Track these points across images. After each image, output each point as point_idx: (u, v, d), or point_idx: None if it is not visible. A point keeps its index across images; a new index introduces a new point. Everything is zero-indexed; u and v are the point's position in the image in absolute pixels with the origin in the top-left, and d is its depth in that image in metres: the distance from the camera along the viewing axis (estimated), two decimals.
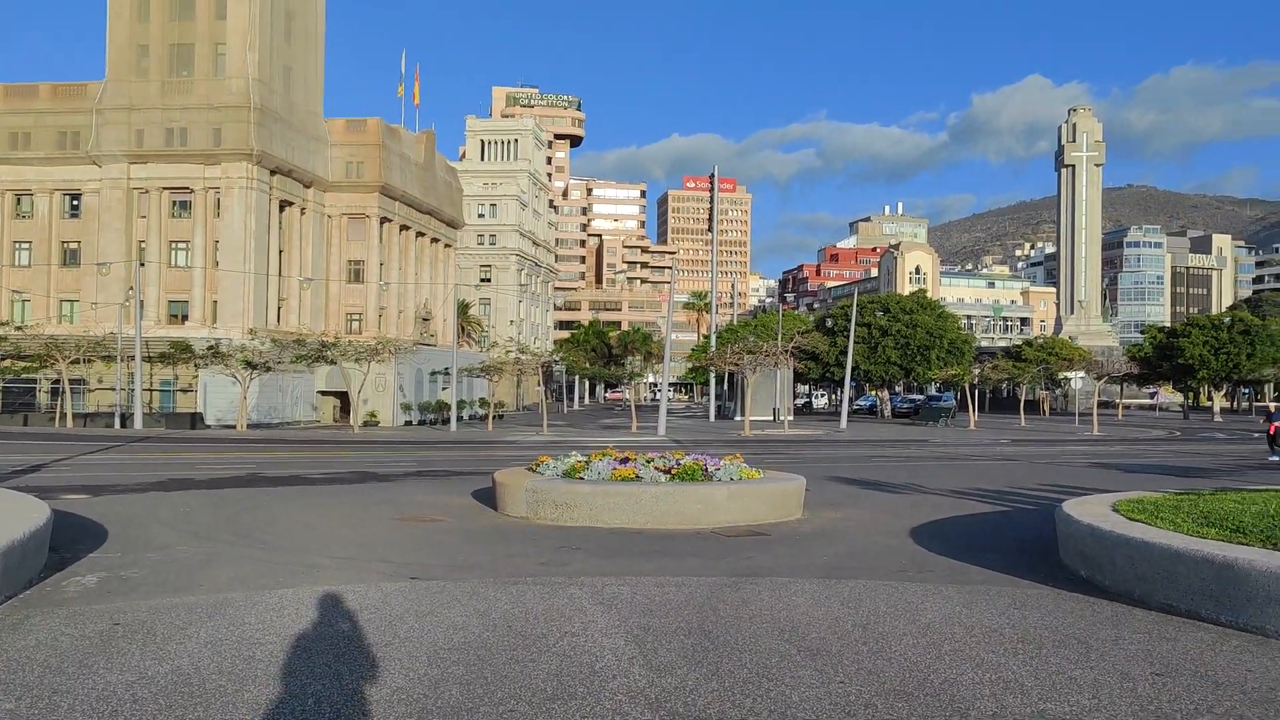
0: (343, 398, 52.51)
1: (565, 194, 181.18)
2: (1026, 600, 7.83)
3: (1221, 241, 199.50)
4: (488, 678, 5.56)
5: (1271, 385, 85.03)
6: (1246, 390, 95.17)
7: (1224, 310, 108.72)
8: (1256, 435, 33.72)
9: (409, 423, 52.58)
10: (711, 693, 5.31)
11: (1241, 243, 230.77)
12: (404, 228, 67.33)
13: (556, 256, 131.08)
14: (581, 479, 13.40)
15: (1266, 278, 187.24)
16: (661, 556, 10.08)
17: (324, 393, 54.43)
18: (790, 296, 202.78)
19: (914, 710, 5.05)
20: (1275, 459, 27.00)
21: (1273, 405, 30.31)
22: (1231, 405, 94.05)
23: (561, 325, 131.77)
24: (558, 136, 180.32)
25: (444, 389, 54.10)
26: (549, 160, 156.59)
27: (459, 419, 49.54)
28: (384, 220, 64.09)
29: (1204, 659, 6.05)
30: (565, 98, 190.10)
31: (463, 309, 76.85)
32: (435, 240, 73.29)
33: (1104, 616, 7.25)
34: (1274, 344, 72.93)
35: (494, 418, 52.26)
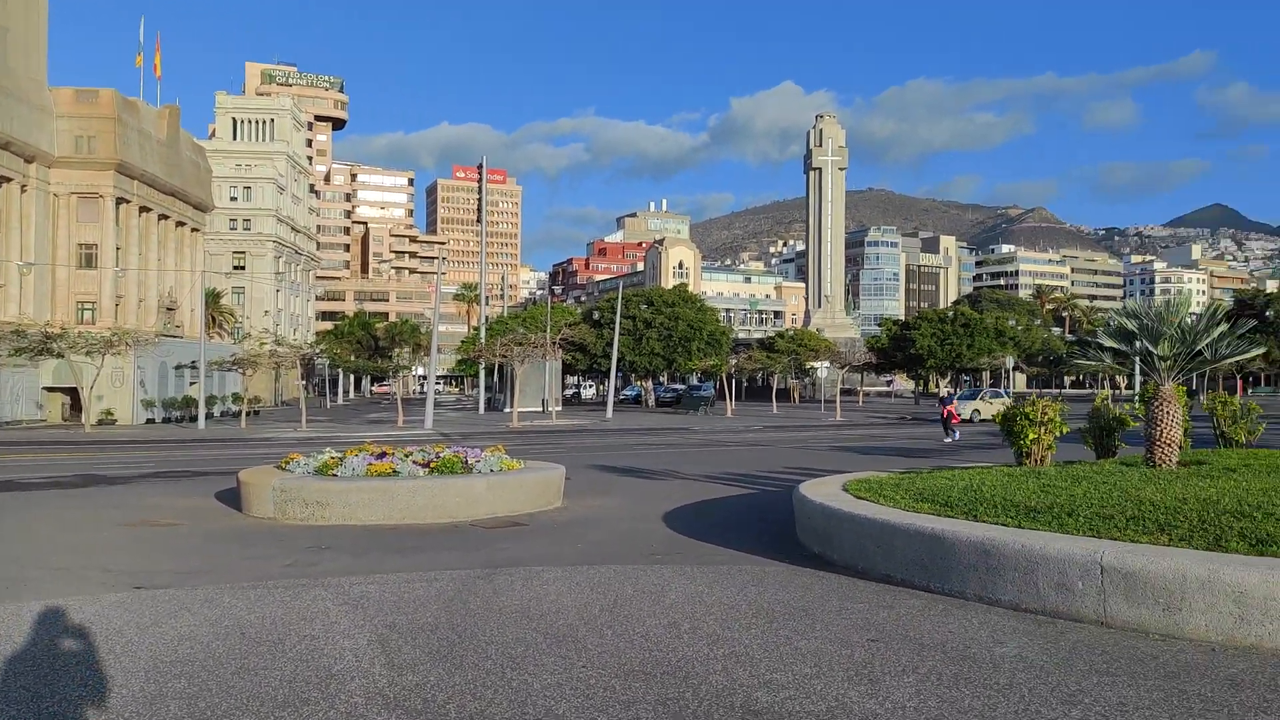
0: (73, 394, 47.81)
1: (328, 179, 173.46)
2: (764, 577, 8.30)
3: (948, 242, 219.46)
4: (213, 690, 5.24)
5: (988, 373, 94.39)
6: (968, 377, 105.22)
7: (949, 305, 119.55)
8: (933, 421, 37.29)
9: (151, 420, 48.62)
10: (453, 687, 5.26)
11: (965, 244, 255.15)
12: (144, 209, 62.03)
13: (319, 244, 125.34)
14: (335, 476, 12.91)
15: (985, 275, 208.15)
16: (416, 552, 9.89)
17: (50, 389, 49.31)
18: (560, 289, 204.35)
19: (650, 689, 5.23)
20: (949, 440, 29.41)
21: (945, 391, 33.91)
22: (954, 392, 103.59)
23: (324, 316, 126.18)
24: (319, 118, 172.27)
25: (192, 384, 50.45)
26: (310, 143, 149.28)
27: (209, 416, 46.36)
28: (121, 201, 58.77)
29: (914, 624, 6.64)
30: (327, 78, 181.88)
31: (213, 298, 71.92)
32: (181, 224, 68.01)
33: (831, 589, 7.80)
34: (989, 335, 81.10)
35: (248, 414, 49.31)
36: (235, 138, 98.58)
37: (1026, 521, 7.78)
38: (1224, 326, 9.85)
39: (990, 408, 43.90)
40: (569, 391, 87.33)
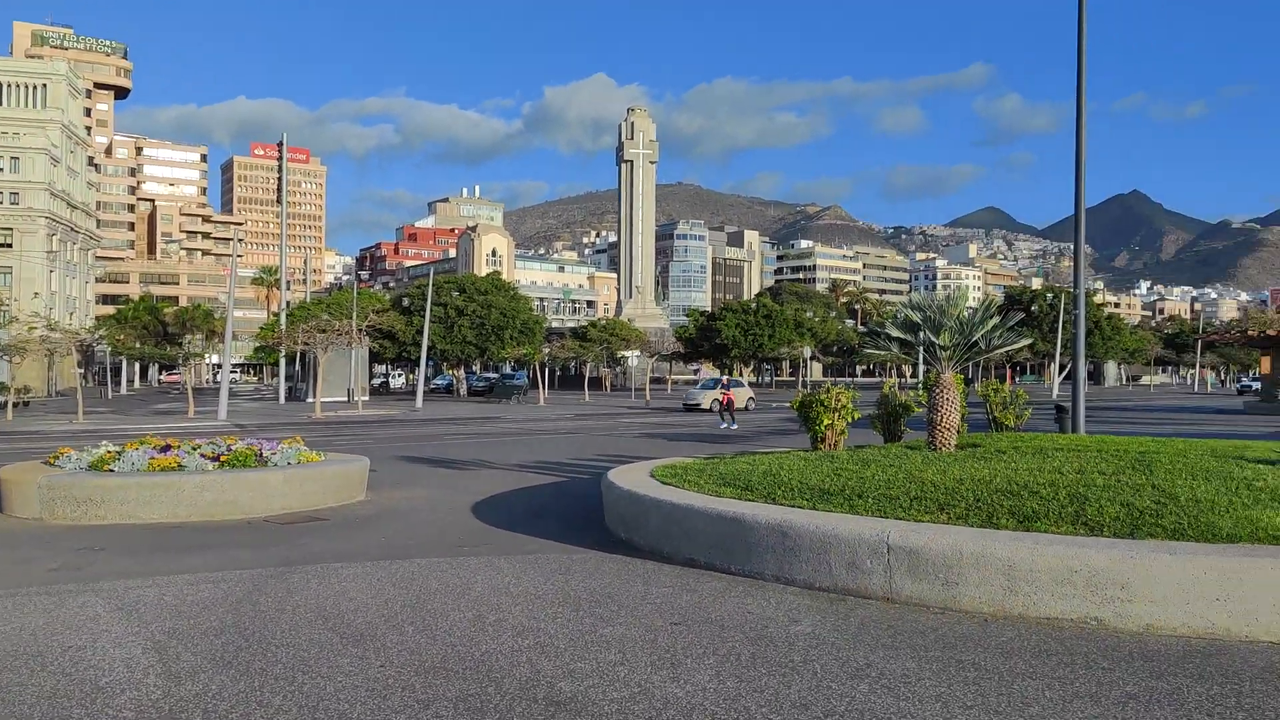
0: None
1: (109, 152, 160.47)
2: (572, 565, 8.29)
3: (751, 237, 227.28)
4: None
5: (787, 362, 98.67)
6: (769, 366, 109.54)
7: (753, 297, 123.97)
8: (735, 409, 38.84)
9: None
10: (237, 695, 4.94)
11: (767, 239, 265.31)
12: None
13: (99, 222, 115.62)
14: (111, 471, 11.92)
15: (785, 269, 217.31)
16: (203, 552, 9.26)
17: None
18: (367, 274, 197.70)
19: (451, 685, 5.09)
20: (724, 426, 28.89)
21: (725, 376, 34.65)
22: (757, 380, 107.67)
23: (106, 300, 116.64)
24: (99, 86, 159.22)
25: None
26: (88, 112, 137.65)
27: None
28: None
29: (715, 606, 6.79)
30: (108, 43, 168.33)
31: None
32: None
33: (637, 574, 7.88)
34: (789, 326, 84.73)
35: (15, 405, 44.99)
36: (1, 103, 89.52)
37: (821, 504, 8.12)
38: (996, 319, 10.64)
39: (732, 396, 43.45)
40: (377, 381, 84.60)
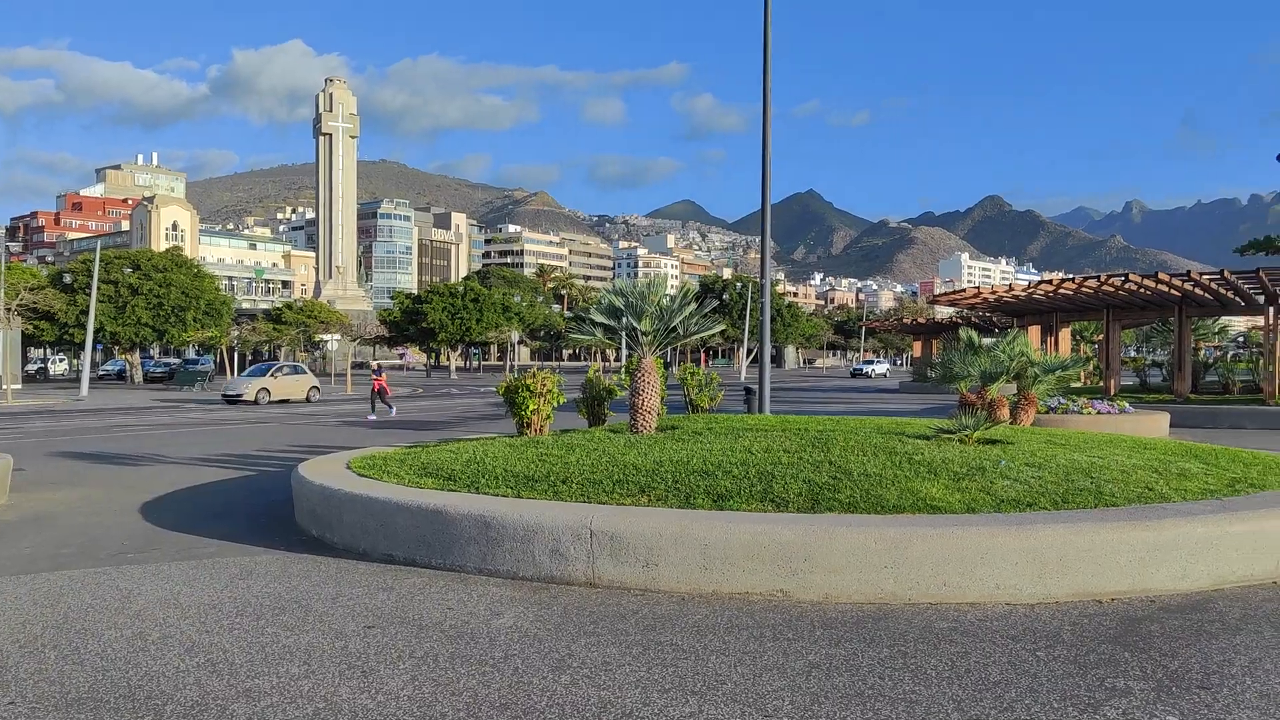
0: None
1: None
2: (255, 568, 7.59)
3: (459, 219, 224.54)
4: None
5: (494, 345, 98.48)
6: (477, 351, 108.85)
7: (460, 280, 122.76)
8: (447, 392, 38.30)
9: None
10: None
11: (475, 222, 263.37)
12: None
13: None
14: None
15: (493, 253, 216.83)
16: None
17: None
18: (20, 247, 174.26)
19: (101, 718, 4.42)
20: (374, 417, 27.17)
21: (374, 363, 32.85)
22: (465, 364, 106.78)
23: None
24: None
25: None
26: None
27: None
28: None
29: (413, 604, 6.45)
30: None
31: None
32: None
33: (329, 575, 7.35)
34: (497, 310, 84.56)
35: None
36: None
37: (525, 491, 7.99)
38: (693, 306, 11.03)
39: (284, 386, 39.65)
40: (33, 367, 74.94)
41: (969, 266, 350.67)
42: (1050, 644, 5.50)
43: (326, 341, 62.02)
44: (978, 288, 28.50)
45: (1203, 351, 36.25)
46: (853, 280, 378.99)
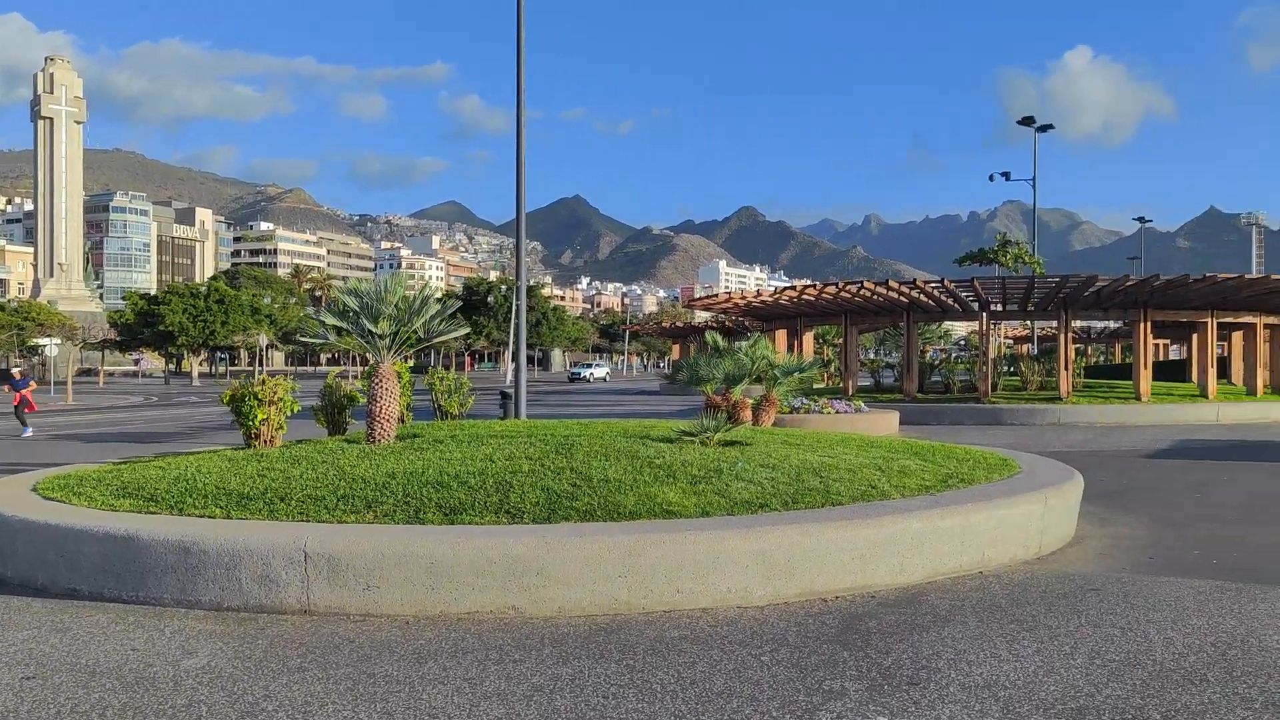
0: None
1: None
2: None
3: (205, 215, 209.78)
4: None
5: (244, 349, 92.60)
6: (224, 355, 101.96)
7: (205, 280, 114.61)
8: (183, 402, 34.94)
9: None
10: None
11: (223, 218, 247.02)
12: None
13: None
14: None
15: (244, 252, 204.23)
16: None
17: None
18: None
19: None
20: (29, 433, 23.62)
21: (17, 371, 28.18)
22: (211, 370, 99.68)
23: None
24: None
25: None
26: None
27: None
28: None
29: (90, 646, 5.62)
30: None
31: None
32: None
33: None
34: (245, 312, 79.48)
35: None
36: None
37: (238, 510, 7.25)
38: (437, 308, 10.54)
39: None
40: None
41: (726, 273, 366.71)
42: (775, 647, 5.50)
43: (44, 346, 55.86)
44: (729, 293, 29.58)
45: (929, 354, 39.54)
46: (618, 285, 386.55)
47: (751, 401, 15.81)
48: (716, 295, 30.15)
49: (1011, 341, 59.75)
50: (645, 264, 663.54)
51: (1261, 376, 29.67)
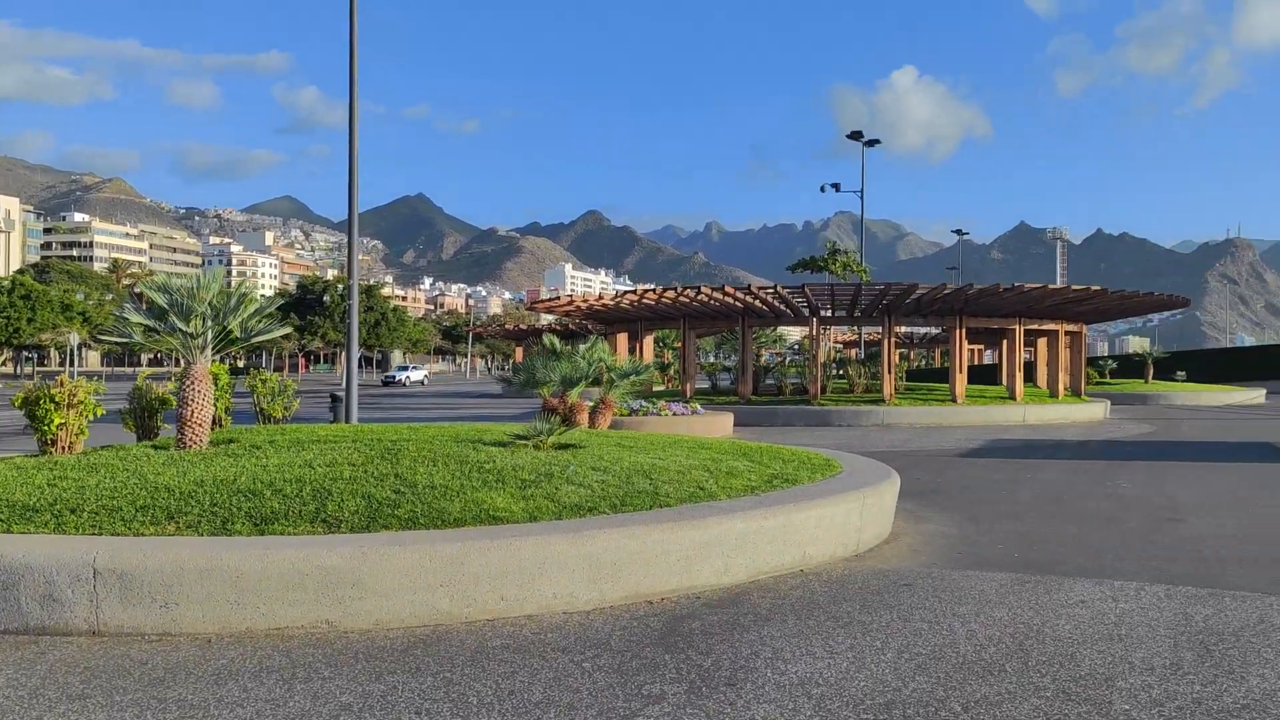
0: None
1: None
2: None
3: (10, 204, 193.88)
4: None
5: (53, 348, 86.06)
6: (31, 355, 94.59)
7: (10, 275, 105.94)
8: None
9: None
10: None
11: (32, 208, 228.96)
12: None
13: None
14: None
15: (55, 245, 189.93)
16: None
17: None
18: None
19: None
20: None
21: None
22: (16, 371, 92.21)
23: None
24: None
25: None
26: None
27: None
28: None
29: None
30: None
31: None
32: None
33: None
34: (55, 309, 73.92)
35: None
36: None
37: (20, 524, 6.63)
38: (254, 306, 10.00)
39: None
40: None
41: (572, 276, 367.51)
42: (598, 653, 5.45)
43: None
44: (571, 296, 29.57)
45: (764, 357, 40.68)
46: (463, 286, 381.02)
47: (590, 404, 15.80)
48: (559, 298, 30.06)
49: (842, 346, 62.26)
50: (490, 265, 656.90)
51: (1063, 380, 31.98)
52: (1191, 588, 7.06)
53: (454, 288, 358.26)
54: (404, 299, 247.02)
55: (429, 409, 35.85)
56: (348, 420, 17.59)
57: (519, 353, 65.42)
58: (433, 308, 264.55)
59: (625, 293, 28.04)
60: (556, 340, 16.16)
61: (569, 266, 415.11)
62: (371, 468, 8.19)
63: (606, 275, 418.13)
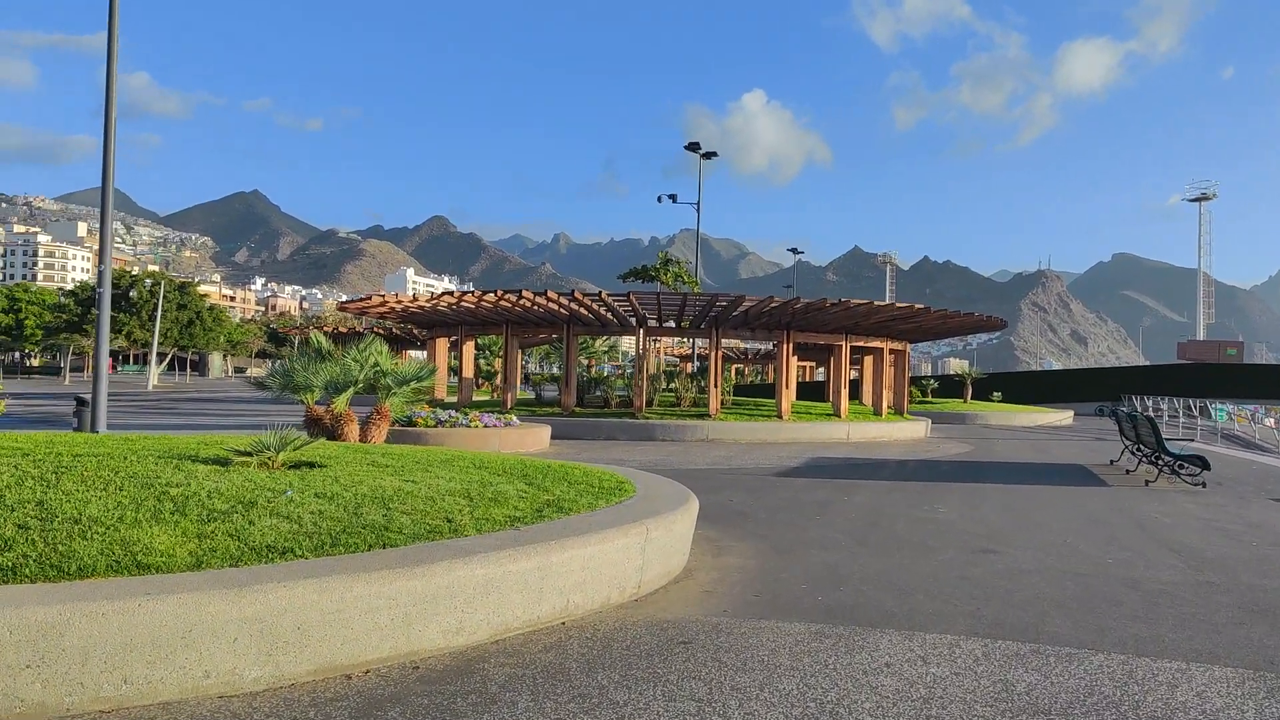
0: None
1: None
2: None
3: None
4: None
5: None
6: None
7: None
8: None
9: None
10: None
11: None
12: None
13: None
14: None
15: None
16: None
17: None
18: None
19: None
20: None
21: None
22: None
23: None
24: None
25: None
26: None
27: None
28: None
29: None
30: None
31: None
32: None
33: None
34: None
35: None
36: None
37: None
38: None
39: None
40: None
41: (415, 282, 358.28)
42: None
43: None
44: (384, 296, 27.45)
45: (595, 368, 39.53)
46: (298, 287, 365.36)
47: (355, 416, 13.90)
48: (370, 298, 27.84)
49: (678, 359, 61.88)
50: (330, 268, 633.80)
51: (886, 398, 32.10)
52: (1011, 642, 6.05)
53: (288, 289, 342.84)
54: (232, 299, 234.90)
55: (208, 415, 32.77)
56: (94, 428, 15.15)
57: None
58: (264, 309, 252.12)
59: (442, 294, 26.15)
60: (324, 339, 14.30)
61: (411, 271, 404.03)
62: (10, 493, 6.27)
63: (451, 282, 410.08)
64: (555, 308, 25.61)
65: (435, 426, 19.97)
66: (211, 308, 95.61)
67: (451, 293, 26.15)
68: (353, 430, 12.62)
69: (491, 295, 25.16)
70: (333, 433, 12.57)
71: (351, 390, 12.81)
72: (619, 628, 6.17)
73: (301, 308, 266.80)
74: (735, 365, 73.56)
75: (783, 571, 8.17)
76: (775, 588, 7.53)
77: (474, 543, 6.16)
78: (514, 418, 21.68)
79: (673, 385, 30.93)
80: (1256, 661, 5.76)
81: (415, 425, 20.17)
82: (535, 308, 25.74)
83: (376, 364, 13.29)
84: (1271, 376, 62.05)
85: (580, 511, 7.53)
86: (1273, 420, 43.47)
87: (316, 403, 12.68)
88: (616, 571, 6.74)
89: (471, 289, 29.36)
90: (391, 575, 5.32)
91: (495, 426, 20.37)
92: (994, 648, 5.91)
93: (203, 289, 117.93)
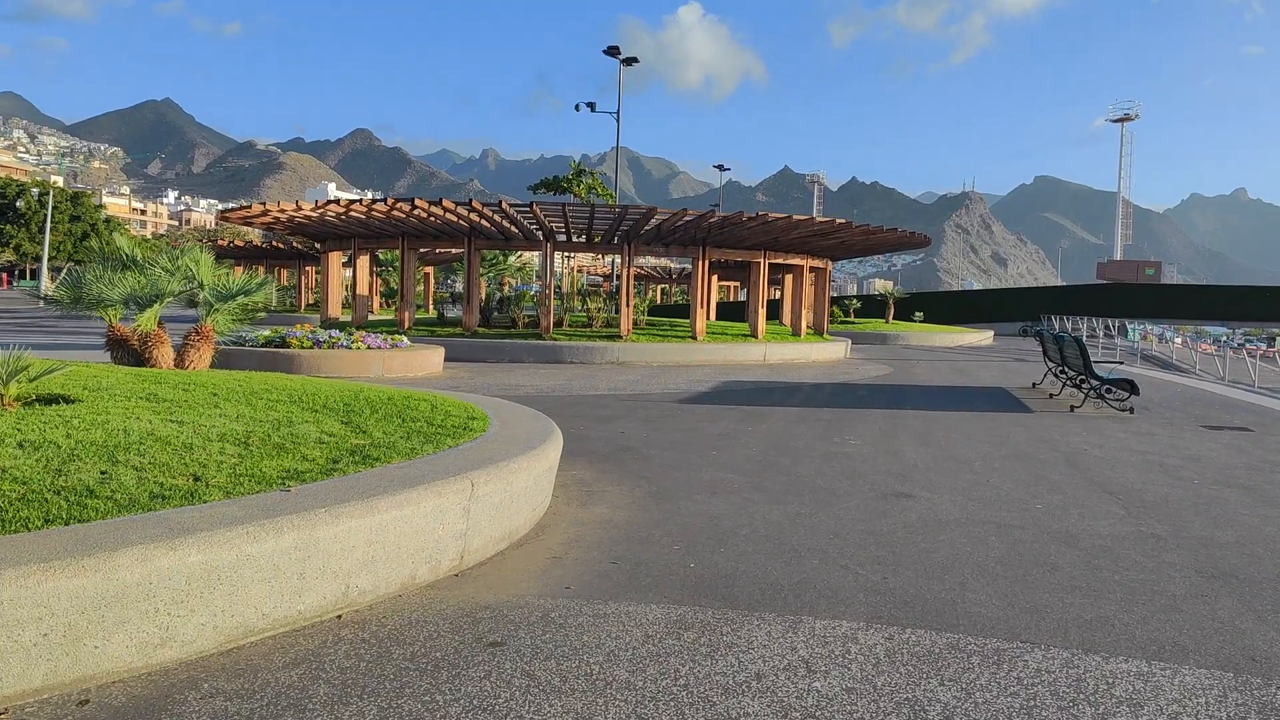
0: None
1: None
2: None
3: None
4: None
5: None
6: None
7: None
8: None
9: None
10: None
11: None
12: None
13: None
14: None
15: None
16: None
17: None
18: None
19: None
20: None
21: None
22: None
23: None
24: None
25: None
26: None
27: None
28: None
29: None
30: None
31: None
32: None
33: None
34: None
35: None
36: None
37: None
38: None
39: None
40: None
41: (337, 196, 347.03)
42: None
43: None
44: (266, 206, 25.02)
45: (509, 287, 37.65)
46: (214, 201, 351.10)
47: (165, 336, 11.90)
48: (251, 207, 25.36)
49: (600, 279, 60.02)
50: (248, 181, 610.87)
51: (805, 318, 30.90)
52: (925, 632, 4.68)
53: (204, 203, 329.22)
54: (143, 213, 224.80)
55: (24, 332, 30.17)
56: None
57: (237, 272, 58.84)
58: (176, 224, 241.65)
59: (329, 202, 23.85)
60: (127, 243, 12.31)
61: (333, 186, 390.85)
62: None
63: (375, 197, 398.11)
64: (453, 219, 23.57)
65: (311, 348, 18.10)
66: (108, 220, 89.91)
67: (338, 200, 23.88)
68: (164, 353, 10.74)
69: (382, 204, 23.00)
70: (141, 356, 10.69)
71: (159, 305, 10.87)
72: (414, 621, 4.64)
73: (217, 222, 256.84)
74: (660, 285, 72.03)
75: (656, 528, 6.72)
76: (641, 551, 6.08)
77: (203, 513, 4.50)
78: (402, 339, 19.86)
79: (587, 305, 29.26)
80: (1234, 658, 4.47)
81: (289, 346, 18.27)
82: (431, 218, 23.66)
83: (190, 274, 11.33)
84: (1187, 297, 62.77)
85: (394, 461, 5.92)
86: (1180, 340, 43.66)
87: (121, 320, 10.79)
88: (424, 541, 5.18)
89: (360, 198, 27.07)
90: (41, 571, 3.66)
91: (380, 348, 18.56)
92: (901, 643, 4.53)
93: (111, 201, 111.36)
